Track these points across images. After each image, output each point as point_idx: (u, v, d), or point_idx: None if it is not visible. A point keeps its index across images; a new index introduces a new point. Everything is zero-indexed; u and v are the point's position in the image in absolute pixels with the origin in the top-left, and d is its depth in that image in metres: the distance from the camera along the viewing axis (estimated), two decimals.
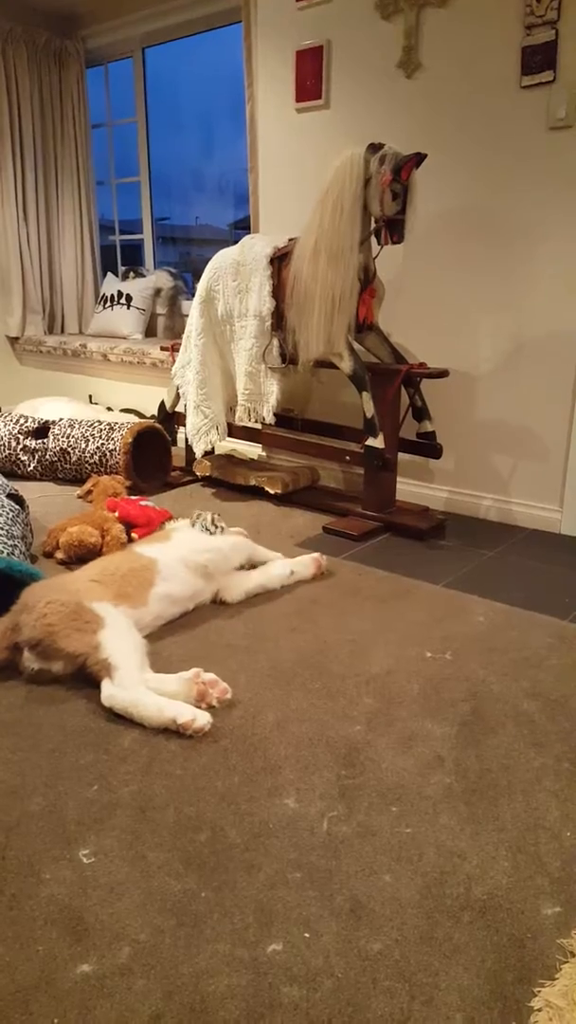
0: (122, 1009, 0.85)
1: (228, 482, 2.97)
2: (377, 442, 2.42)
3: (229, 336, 2.75)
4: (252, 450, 3.37)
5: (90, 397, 4.22)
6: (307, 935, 0.96)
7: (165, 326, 4.39)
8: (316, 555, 2.15)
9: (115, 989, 0.87)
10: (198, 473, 3.06)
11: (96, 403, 4.16)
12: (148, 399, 3.83)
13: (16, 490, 2.31)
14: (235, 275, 2.66)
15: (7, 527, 1.94)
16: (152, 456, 3.03)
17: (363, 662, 1.65)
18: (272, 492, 2.80)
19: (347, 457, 2.64)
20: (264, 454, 3.34)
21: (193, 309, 2.80)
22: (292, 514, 2.71)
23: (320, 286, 2.40)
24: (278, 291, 2.57)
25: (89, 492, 2.78)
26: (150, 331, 4.44)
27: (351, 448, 2.66)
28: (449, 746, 1.35)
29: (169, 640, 1.75)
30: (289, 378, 2.74)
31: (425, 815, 1.18)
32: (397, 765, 1.30)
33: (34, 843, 1.10)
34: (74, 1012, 0.85)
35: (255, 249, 2.61)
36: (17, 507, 2.17)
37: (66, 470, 3.04)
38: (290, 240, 2.57)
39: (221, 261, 2.70)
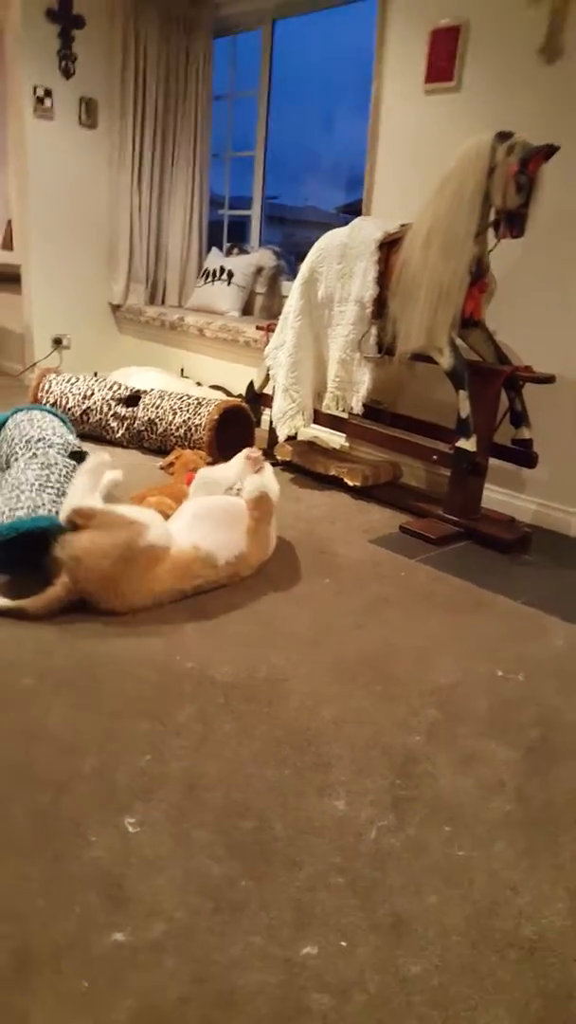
0: (150, 985, 0.84)
1: (308, 469, 2.93)
2: (469, 444, 2.33)
3: (327, 321, 2.71)
4: (336, 439, 3.33)
5: (181, 370, 4.26)
6: (344, 944, 0.93)
7: (263, 305, 4.39)
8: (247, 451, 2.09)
9: (146, 963, 0.87)
10: (278, 457, 3.04)
11: (186, 376, 4.20)
12: (237, 377, 3.83)
13: (80, 446, 2.28)
14: (340, 258, 2.61)
15: (58, 484, 1.91)
16: (235, 434, 3.03)
17: (429, 671, 1.59)
18: (351, 484, 2.76)
19: (434, 457, 2.56)
20: (347, 445, 3.29)
21: (293, 290, 2.77)
22: (369, 509, 2.66)
23: (428, 276, 2.32)
24: (383, 278, 2.50)
25: (171, 464, 2.81)
26: (248, 309, 4.44)
27: (440, 448, 2.57)
28: (512, 771, 1.29)
29: (233, 618, 1.73)
30: (383, 369, 2.68)
31: (480, 840, 1.13)
32: (455, 783, 1.24)
33: (83, 804, 1.11)
34: (104, 979, 0.84)
35: (364, 232, 2.54)
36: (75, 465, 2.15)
37: (152, 440, 3.08)
38: (402, 226, 2.49)
39: (328, 242, 2.66)
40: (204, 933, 0.92)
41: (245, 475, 2.03)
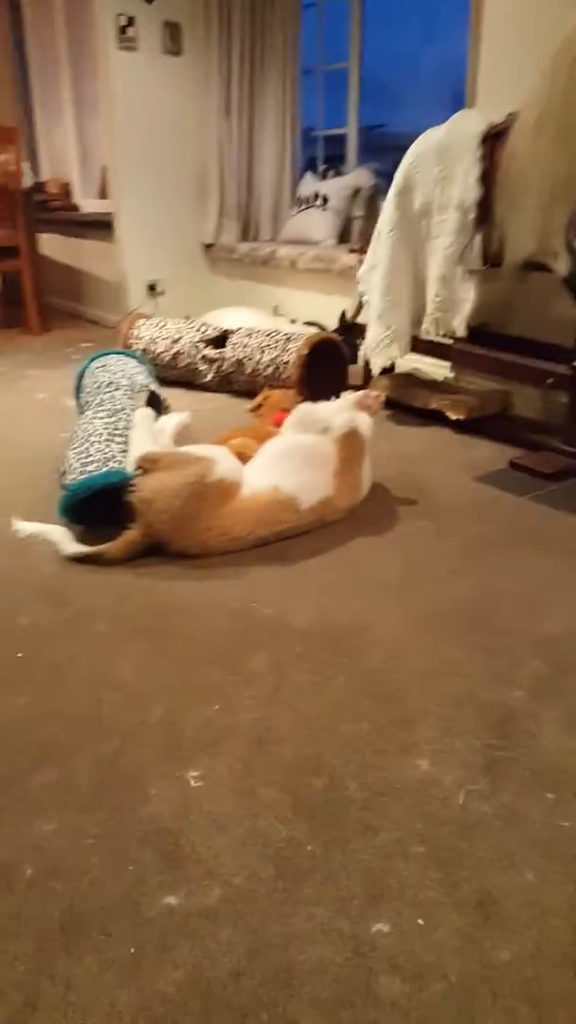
0: (201, 955, 0.77)
1: (406, 404, 2.74)
2: None
3: (424, 234, 2.46)
4: (437, 371, 3.09)
5: (275, 308, 4.11)
6: (421, 922, 0.82)
7: (361, 230, 4.13)
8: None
9: (198, 931, 0.80)
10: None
11: (281, 314, 4.05)
12: (333, 311, 3.63)
13: (148, 385, 2.19)
14: (439, 160, 2.34)
15: (127, 431, 1.82)
16: (328, 371, 2.87)
17: (536, 619, 1.42)
18: (454, 418, 2.54)
19: (549, 380, 2.30)
20: (451, 375, 3.05)
21: (387, 202, 2.53)
22: (475, 444, 2.44)
23: (540, 169, 2.03)
24: (488, 177, 2.22)
25: (259, 406, 2.70)
26: (345, 236, 4.20)
27: (557, 370, 2.30)
28: None
29: (316, 563, 1.62)
30: (490, 285, 2.42)
31: None
32: (562, 744, 1.09)
33: (146, 754, 1.05)
34: (152, 945, 0.78)
35: (466, 127, 2.26)
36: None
37: (241, 382, 2.97)
38: (509, 115, 2.19)
39: (424, 143, 2.39)
40: (264, 901, 0.83)
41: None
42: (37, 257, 4.46)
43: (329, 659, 1.28)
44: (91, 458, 1.66)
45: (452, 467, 2.23)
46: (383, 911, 0.83)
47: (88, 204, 5.55)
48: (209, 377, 3.06)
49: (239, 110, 4.19)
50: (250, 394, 2.96)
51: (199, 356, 3.04)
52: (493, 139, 2.18)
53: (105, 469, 1.61)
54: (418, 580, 1.56)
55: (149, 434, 1.70)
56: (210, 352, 3.02)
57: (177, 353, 3.07)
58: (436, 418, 2.61)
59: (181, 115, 4.15)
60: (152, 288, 4.39)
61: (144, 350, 3.09)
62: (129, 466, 1.61)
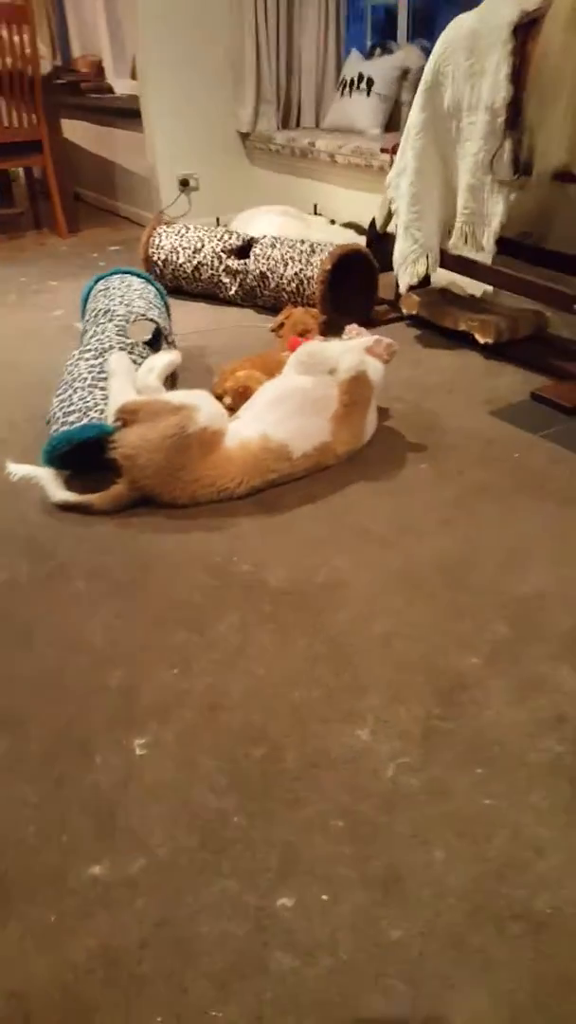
0: (114, 925, 0.86)
1: (437, 324, 2.60)
2: None
3: (455, 135, 2.24)
4: (474, 285, 2.89)
5: (315, 207, 3.88)
6: (325, 897, 0.88)
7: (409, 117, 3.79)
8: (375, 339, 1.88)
9: (115, 901, 0.88)
10: (404, 310, 2.72)
11: (320, 214, 3.83)
12: (374, 211, 3.41)
13: (145, 315, 2.08)
14: (469, 51, 2.09)
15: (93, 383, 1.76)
16: (358, 283, 2.74)
17: (513, 578, 1.40)
18: (482, 341, 2.40)
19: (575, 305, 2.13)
20: (490, 290, 2.85)
21: (416, 100, 2.30)
22: (502, 371, 2.32)
23: (573, 66, 1.80)
24: (519, 74, 1.99)
25: (281, 325, 2.61)
26: (392, 124, 3.87)
27: None
28: None
29: (306, 513, 1.62)
30: (527, 194, 2.21)
31: (515, 787, 1.00)
32: (504, 716, 1.10)
33: (99, 720, 1.12)
34: (71, 915, 0.87)
35: (497, 13, 2.00)
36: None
37: (265, 297, 2.87)
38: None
39: (455, 32, 2.14)
40: (182, 872, 0.91)
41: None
42: (62, 150, 4.29)
43: (296, 620, 1.31)
44: (72, 407, 1.66)
45: (471, 399, 2.14)
46: (292, 885, 0.89)
47: (122, 85, 5.25)
48: (233, 290, 2.97)
49: None
50: (275, 309, 2.87)
51: (222, 268, 2.94)
52: (526, 29, 1.93)
53: (84, 421, 1.62)
54: (405, 532, 1.55)
55: (128, 380, 1.68)
56: (233, 263, 2.92)
57: (199, 264, 2.97)
58: (466, 340, 2.48)
59: None
60: (184, 184, 4.20)
61: (165, 260, 3.01)
62: (108, 418, 1.61)
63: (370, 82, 3.79)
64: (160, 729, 1.10)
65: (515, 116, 2.03)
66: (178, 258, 2.98)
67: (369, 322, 2.76)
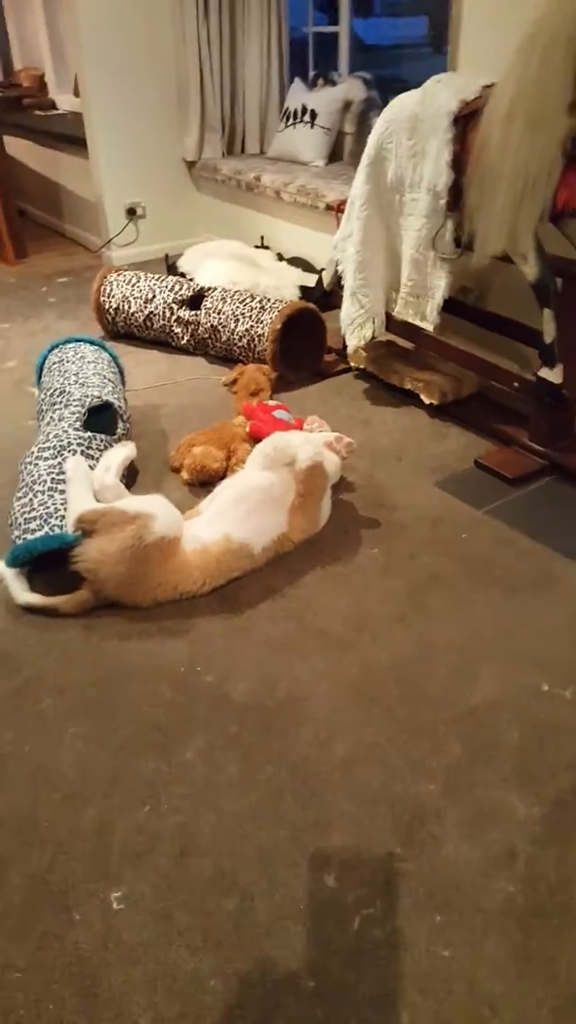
0: None
1: (383, 381, 2.66)
2: (554, 375, 1.99)
3: (398, 208, 2.29)
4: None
5: (262, 239, 3.89)
6: None
7: (350, 150, 3.83)
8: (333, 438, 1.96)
9: None
10: (352, 364, 2.77)
11: (267, 246, 3.84)
12: (320, 247, 3.44)
13: (101, 396, 2.07)
14: (411, 132, 2.14)
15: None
16: (306, 336, 2.77)
17: (465, 685, 1.47)
18: (427, 402, 2.48)
19: (515, 385, 2.22)
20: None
21: (359, 172, 2.34)
22: (446, 433, 2.40)
23: (511, 161, 1.86)
24: (460, 160, 2.04)
25: (234, 381, 2.64)
26: (336, 154, 3.90)
27: (523, 374, 2.21)
28: (528, 837, 1.20)
29: (264, 611, 1.67)
30: (466, 267, 2.28)
31: (471, 935, 1.07)
32: (461, 853, 1.18)
33: (76, 869, 1.16)
34: None
35: (438, 101, 2.05)
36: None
37: (217, 348, 2.88)
38: (485, 88, 1.98)
39: (396, 112, 2.18)
40: None
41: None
42: (7, 173, 4.18)
43: (260, 743, 1.36)
44: (33, 512, 1.67)
45: (418, 467, 2.21)
46: None
47: (65, 101, 5.14)
48: (184, 340, 2.97)
49: (219, 8, 3.77)
50: (228, 359, 2.90)
51: (173, 318, 2.93)
52: (466, 119, 1.98)
53: (45, 531, 1.62)
54: (359, 632, 1.61)
55: (85, 485, 1.69)
56: (185, 314, 2.91)
57: (151, 314, 2.96)
58: (413, 395, 2.54)
59: (154, 15, 3.74)
60: (131, 212, 4.15)
61: (116, 308, 2.98)
62: (68, 527, 1.62)
63: (313, 114, 3.81)
64: (134, 879, 1.14)
65: (456, 199, 2.09)
66: (129, 307, 2.96)
67: (319, 374, 2.81)
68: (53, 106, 5.23)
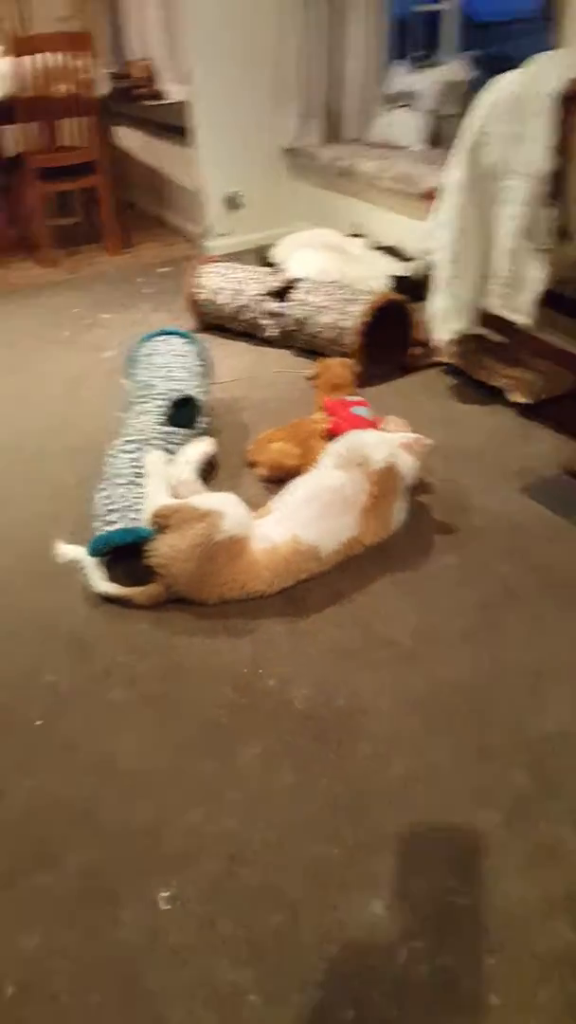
0: None
1: (471, 377, 2.55)
2: None
3: (495, 196, 2.17)
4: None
5: (357, 227, 3.80)
6: None
7: (453, 134, 3.67)
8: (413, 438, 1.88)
9: None
10: (439, 358, 2.67)
11: (360, 234, 3.75)
12: (416, 236, 3.33)
13: (183, 391, 2.09)
14: (512, 116, 2.02)
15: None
16: (392, 329, 2.70)
17: (537, 710, 1.40)
18: (517, 401, 2.36)
19: None
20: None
21: (454, 158, 2.23)
22: (536, 435, 2.27)
23: None
24: (565, 145, 1.91)
25: (317, 375, 2.60)
26: (437, 139, 3.76)
27: None
28: None
29: (331, 616, 1.64)
30: (567, 259, 2.14)
31: (524, 982, 1.01)
32: (517, 892, 1.12)
33: (126, 867, 1.17)
34: None
35: (541, 80, 1.92)
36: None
37: (303, 340, 2.85)
38: None
39: (496, 94, 2.06)
40: None
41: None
42: (115, 169, 4.28)
43: (317, 753, 1.34)
44: (113, 505, 1.70)
45: (503, 470, 2.10)
46: None
47: (175, 91, 5.18)
48: (272, 332, 2.95)
49: None
50: (313, 352, 2.86)
51: (261, 310, 2.92)
52: (572, 100, 1.85)
53: (123, 524, 1.66)
54: (427, 645, 1.55)
55: (162, 481, 1.71)
56: (273, 306, 2.90)
57: (240, 306, 2.96)
58: (502, 393, 2.43)
59: (260, 1, 3.71)
60: (231, 201, 4.16)
61: (208, 300, 3.00)
62: (144, 521, 1.65)
63: (415, 97, 3.68)
64: (182, 882, 1.15)
65: (558, 186, 1.96)
66: (220, 299, 2.98)
67: (403, 368, 2.73)
68: (160, 97, 5.30)
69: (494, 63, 3.66)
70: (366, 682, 1.47)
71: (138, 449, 1.82)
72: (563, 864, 1.15)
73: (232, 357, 2.93)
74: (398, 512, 1.83)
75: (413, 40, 4.02)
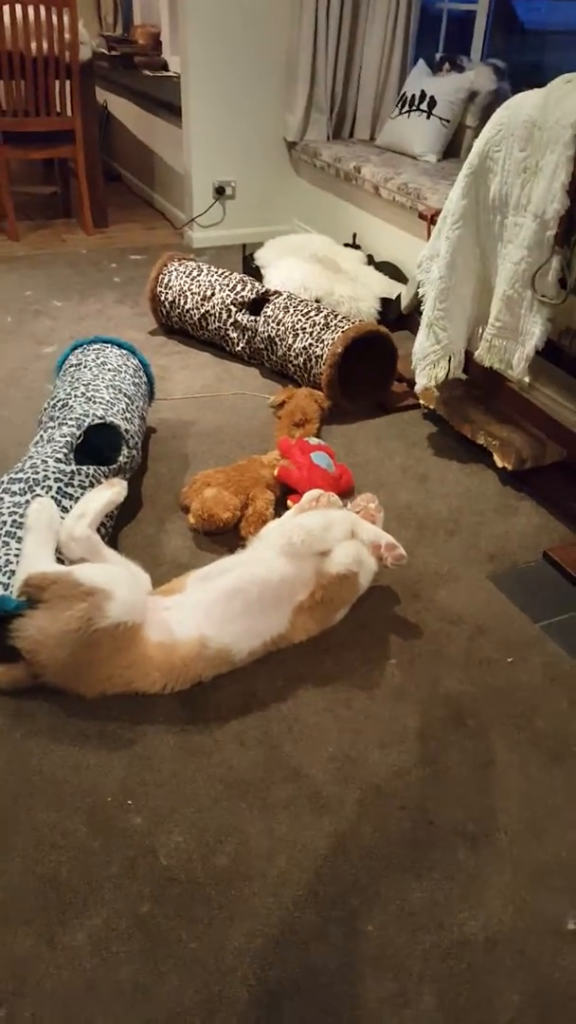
0: None
1: (454, 428, 2.25)
2: None
3: (497, 232, 1.87)
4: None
5: (354, 236, 3.49)
6: None
7: (468, 147, 3.35)
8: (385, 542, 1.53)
9: None
10: (421, 402, 2.37)
11: (358, 245, 3.44)
12: (415, 255, 3.02)
13: (104, 416, 1.72)
14: (525, 142, 1.71)
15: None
16: (374, 361, 2.39)
17: (466, 903, 1.10)
18: (500, 465, 2.06)
19: None
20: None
21: (457, 183, 1.92)
22: (517, 507, 1.98)
23: None
24: None
25: (282, 404, 2.30)
26: (452, 149, 3.45)
27: None
28: None
29: (233, 729, 1.33)
30: (571, 311, 1.85)
31: None
32: None
33: None
34: None
35: (563, 106, 1.61)
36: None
37: (272, 361, 2.54)
38: None
39: (510, 115, 1.75)
40: None
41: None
42: (94, 139, 3.92)
43: (172, 937, 1.04)
44: None
45: (474, 549, 1.81)
46: None
47: (176, 62, 4.85)
48: (240, 347, 2.64)
49: None
50: (283, 374, 2.56)
51: (230, 321, 2.61)
52: None
53: None
54: (345, 785, 1.25)
55: (45, 539, 1.39)
56: (243, 318, 2.58)
57: (207, 313, 2.64)
58: (484, 452, 2.13)
59: None
60: (220, 191, 3.83)
61: (172, 301, 2.68)
62: (14, 588, 1.33)
63: (432, 103, 3.36)
64: None
65: (568, 231, 1.66)
66: (186, 303, 2.66)
67: (381, 407, 2.43)
68: (164, 67, 4.95)
69: (525, 74, 3.35)
70: (258, 833, 1.17)
71: (27, 492, 1.49)
72: None
73: (191, 369, 2.62)
74: (339, 614, 1.53)
75: (446, 40, 3.69)
